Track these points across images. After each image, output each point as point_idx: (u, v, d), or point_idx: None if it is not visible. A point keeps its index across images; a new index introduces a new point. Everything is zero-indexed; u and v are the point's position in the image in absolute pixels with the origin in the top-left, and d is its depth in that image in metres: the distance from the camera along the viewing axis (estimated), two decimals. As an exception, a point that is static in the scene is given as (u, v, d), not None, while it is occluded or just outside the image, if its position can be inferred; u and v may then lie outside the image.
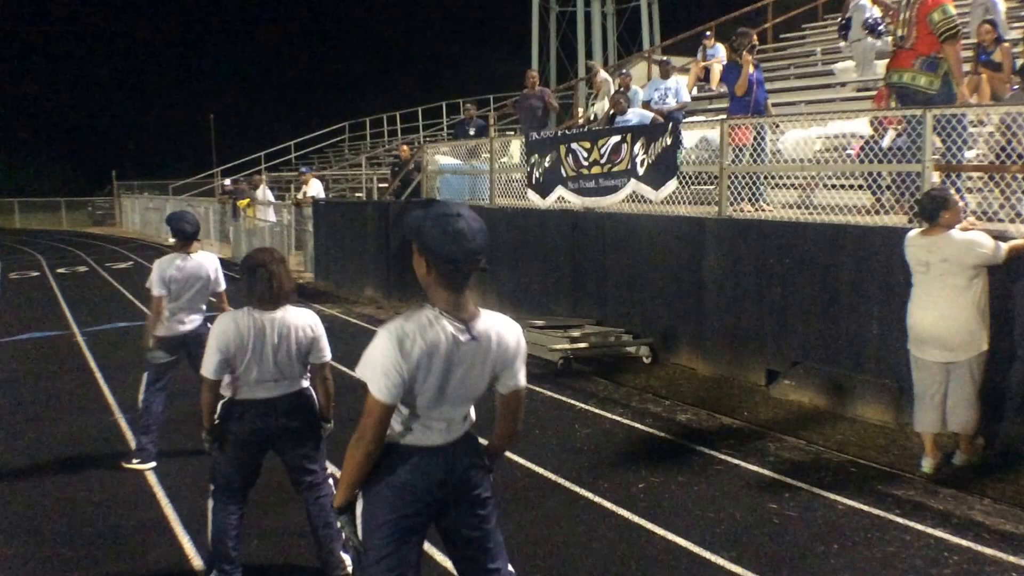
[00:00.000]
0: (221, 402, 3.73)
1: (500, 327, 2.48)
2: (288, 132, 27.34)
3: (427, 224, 2.32)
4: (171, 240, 5.52)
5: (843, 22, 11.72)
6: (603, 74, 12.75)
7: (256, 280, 3.64)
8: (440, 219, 2.31)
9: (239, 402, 3.69)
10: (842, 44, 12.17)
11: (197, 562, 4.07)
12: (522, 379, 2.56)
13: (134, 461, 5.38)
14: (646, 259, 8.05)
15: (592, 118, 12.32)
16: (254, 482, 3.84)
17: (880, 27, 10.69)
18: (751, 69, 8.54)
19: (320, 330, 3.80)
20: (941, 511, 4.48)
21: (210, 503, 3.77)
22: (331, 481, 3.89)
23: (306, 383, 3.84)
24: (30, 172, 55.94)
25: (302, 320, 3.75)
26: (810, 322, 6.50)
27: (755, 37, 8.68)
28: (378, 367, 2.33)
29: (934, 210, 4.89)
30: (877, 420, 5.94)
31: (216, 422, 3.72)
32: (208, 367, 3.61)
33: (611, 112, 10.82)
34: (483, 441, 2.66)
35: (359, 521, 2.48)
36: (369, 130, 26.80)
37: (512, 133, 12.99)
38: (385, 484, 2.45)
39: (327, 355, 3.83)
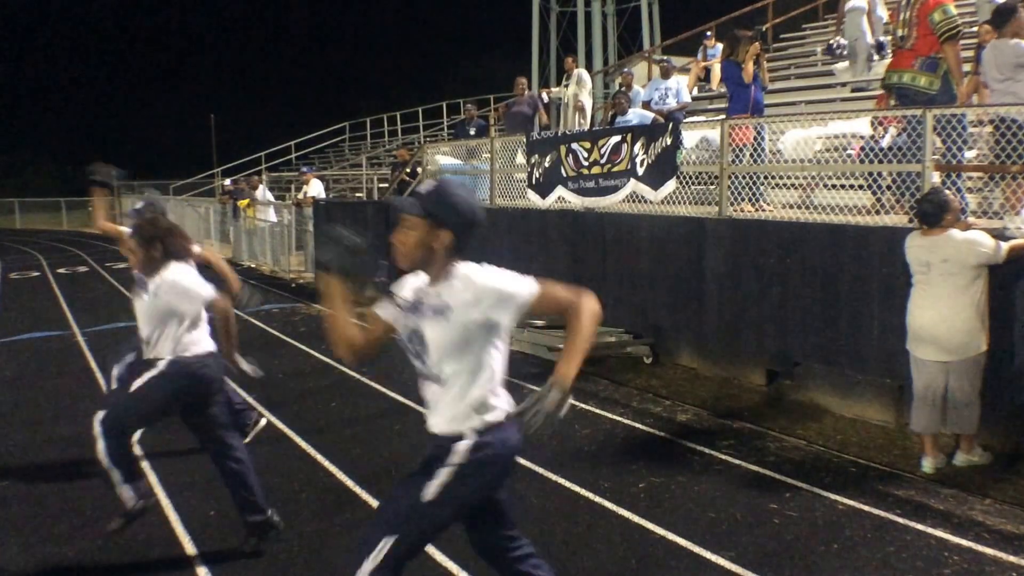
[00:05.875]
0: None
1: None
2: (288, 132, 27.30)
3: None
4: None
5: (837, 47, 11.72)
6: (578, 70, 12.95)
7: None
8: None
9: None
10: (838, 66, 12.10)
11: (194, 553, 4.08)
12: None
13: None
14: (646, 259, 8.04)
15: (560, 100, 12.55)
16: None
17: (885, 46, 10.63)
18: (751, 67, 8.49)
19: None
20: (941, 511, 4.48)
21: None
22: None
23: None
24: (30, 172, 55.97)
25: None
26: (810, 322, 6.50)
27: (748, 34, 8.64)
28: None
29: (937, 214, 4.88)
30: (877, 420, 5.94)
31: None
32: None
33: (611, 112, 10.84)
34: None
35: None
36: (369, 130, 26.73)
37: (511, 133, 13.02)
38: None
39: None
